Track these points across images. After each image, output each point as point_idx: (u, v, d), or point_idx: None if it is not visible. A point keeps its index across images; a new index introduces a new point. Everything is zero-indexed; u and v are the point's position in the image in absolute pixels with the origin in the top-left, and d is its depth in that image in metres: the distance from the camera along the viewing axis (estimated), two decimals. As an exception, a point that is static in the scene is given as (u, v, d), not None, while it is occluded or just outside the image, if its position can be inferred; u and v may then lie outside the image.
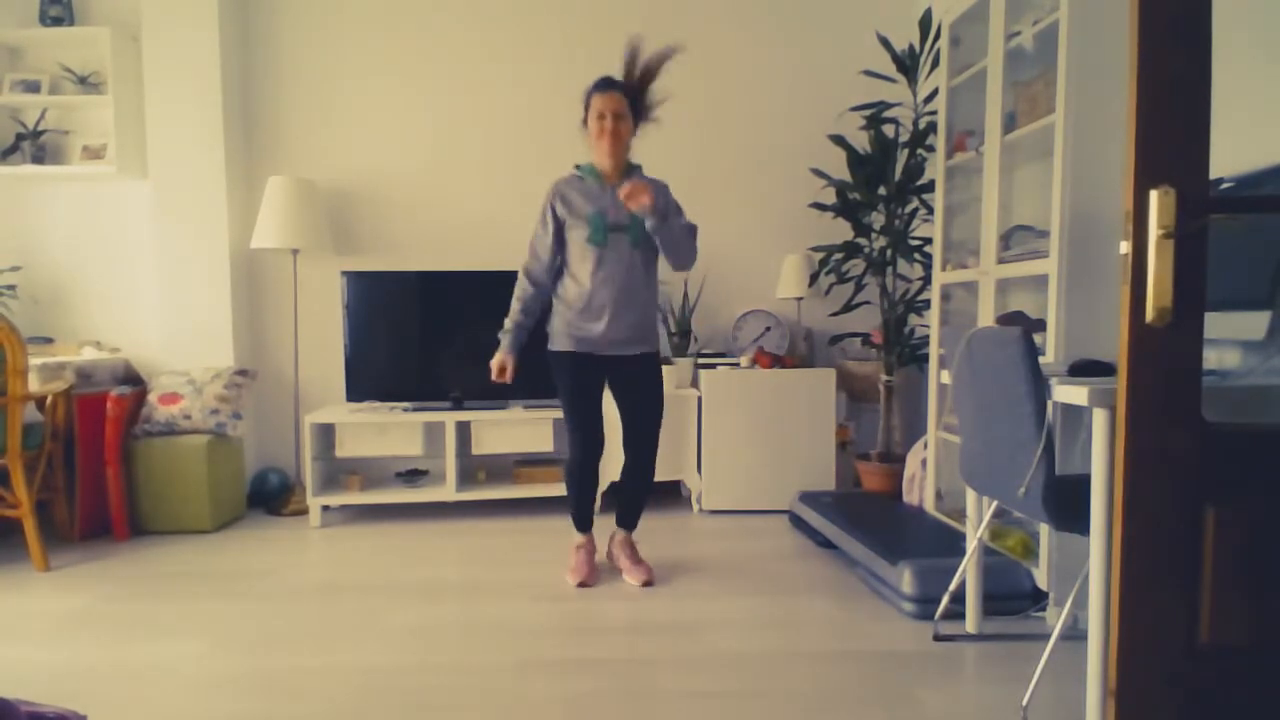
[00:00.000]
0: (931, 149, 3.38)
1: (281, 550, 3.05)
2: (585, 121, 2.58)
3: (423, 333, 3.64)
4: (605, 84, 2.56)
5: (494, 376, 2.63)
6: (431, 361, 3.65)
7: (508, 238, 3.91)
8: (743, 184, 3.98)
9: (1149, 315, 1.29)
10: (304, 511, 3.57)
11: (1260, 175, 1.88)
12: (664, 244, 2.51)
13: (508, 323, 2.65)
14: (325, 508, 3.54)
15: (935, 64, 3.36)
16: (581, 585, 2.63)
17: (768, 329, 3.84)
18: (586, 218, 2.52)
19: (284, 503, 3.60)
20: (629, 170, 2.62)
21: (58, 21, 3.62)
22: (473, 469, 3.87)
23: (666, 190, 2.64)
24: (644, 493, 2.73)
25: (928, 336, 3.54)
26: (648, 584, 2.63)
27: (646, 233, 2.52)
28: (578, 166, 2.64)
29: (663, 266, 3.08)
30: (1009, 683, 1.90)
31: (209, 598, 2.52)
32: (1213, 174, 1.33)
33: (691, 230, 2.58)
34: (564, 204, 2.56)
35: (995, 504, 2.14)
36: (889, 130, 3.51)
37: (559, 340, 2.61)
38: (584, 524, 2.76)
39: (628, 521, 2.77)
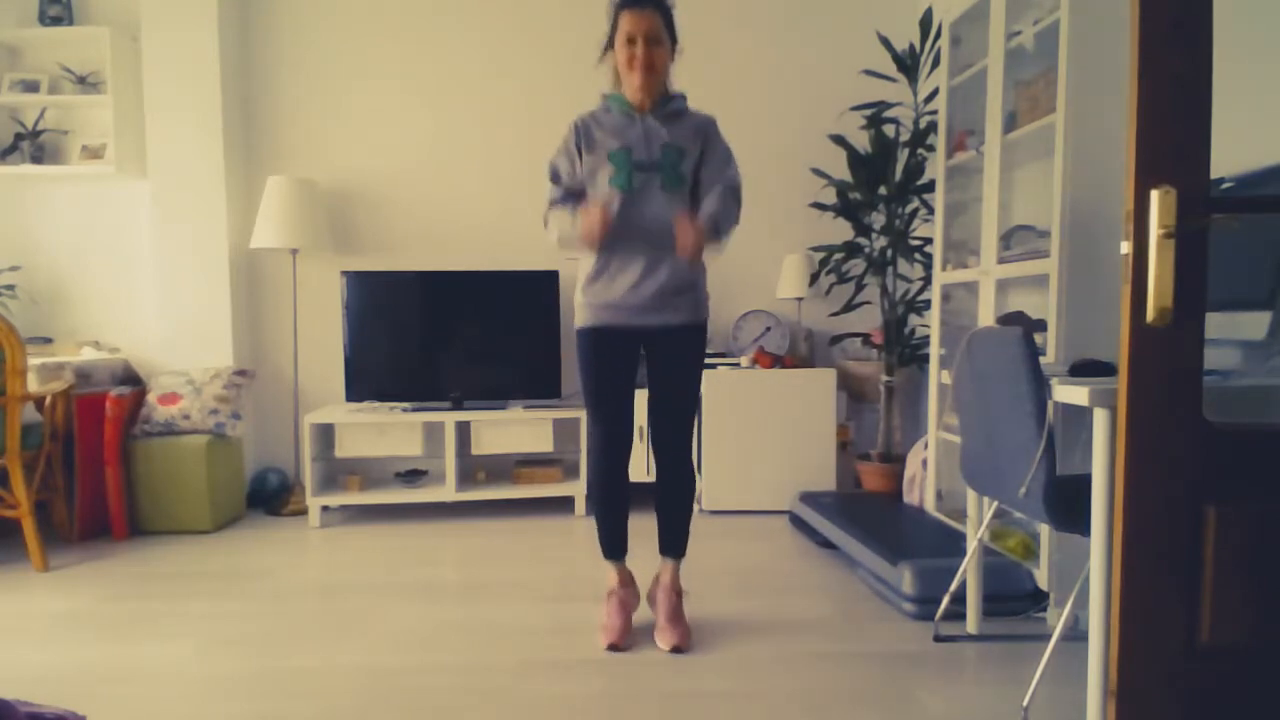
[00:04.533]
0: (932, 149, 3.38)
1: (281, 550, 3.05)
2: (610, 44, 2.09)
3: (422, 333, 3.64)
4: None
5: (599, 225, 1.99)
6: (431, 361, 3.64)
7: (508, 237, 3.91)
8: (743, 183, 3.97)
9: (1149, 315, 1.29)
10: (303, 512, 3.57)
11: (1260, 175, 1.87)
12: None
13: (554, 202, 2.18)
14: (325, 508, 3.53)
15: (935, 64, 3.36)
16: (612, 648, 2.09)
17: (768, 329, 3.83)
18: (610, 155, 2.07)
19: (283, 503, 3.59)
20: (667, 100, 2.12)
21: (57, 21, 3.62)
22: (472, 469, 3.87)
23: (713, 125, 2.18)
24: (682, 504, 2.21)
25: (928, 336, 3.54)
26: (676, 650, 2.08)
27: (682, 173, 2.10)
28: (605, 96, 2.16)
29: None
30: (1009, 683, 1.90)
31: (208, 598, 2.52)
32: (1213, 174, 1.32)
33: (736, 198, 2.20)
34: (587, 140, 2.12)
35: (995, 504, 2.14)
36: (889, 130, 3.51)
37: (579, 314, 2.18)
38: (613, 549, 2.24)
39: (669, 545, 2.23)
